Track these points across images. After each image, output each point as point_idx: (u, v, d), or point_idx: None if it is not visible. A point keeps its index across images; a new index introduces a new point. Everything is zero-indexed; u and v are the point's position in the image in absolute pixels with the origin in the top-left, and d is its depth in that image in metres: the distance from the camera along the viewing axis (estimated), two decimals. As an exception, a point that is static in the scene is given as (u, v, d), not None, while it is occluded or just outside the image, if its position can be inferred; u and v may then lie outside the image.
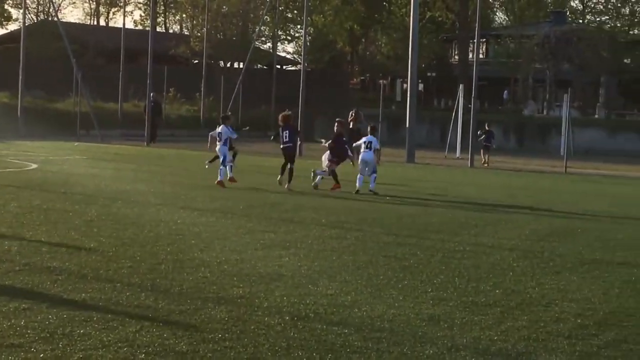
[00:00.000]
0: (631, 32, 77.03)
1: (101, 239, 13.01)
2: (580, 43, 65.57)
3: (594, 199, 24.47)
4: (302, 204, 19.19)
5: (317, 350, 7.71)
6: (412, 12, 40.56)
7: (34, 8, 76.70)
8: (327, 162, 23.21)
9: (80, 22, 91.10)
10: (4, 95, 50.07)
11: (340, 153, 23.20)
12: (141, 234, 13.74)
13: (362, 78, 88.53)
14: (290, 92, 50.01)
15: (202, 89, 55.54)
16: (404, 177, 27.05)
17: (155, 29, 67.69)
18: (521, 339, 8.44)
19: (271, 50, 71.15)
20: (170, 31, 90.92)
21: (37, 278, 10.11)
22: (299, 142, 22.80)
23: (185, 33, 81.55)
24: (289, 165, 22.25)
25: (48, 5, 74.04)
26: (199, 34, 64.15)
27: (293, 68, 77.61)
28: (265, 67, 71.52)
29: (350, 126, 27.46)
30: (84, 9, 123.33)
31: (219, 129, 23.28)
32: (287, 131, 22.50)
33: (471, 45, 67.11)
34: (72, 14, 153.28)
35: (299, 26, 75.33)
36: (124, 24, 56.70)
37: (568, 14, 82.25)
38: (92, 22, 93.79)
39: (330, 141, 23.38)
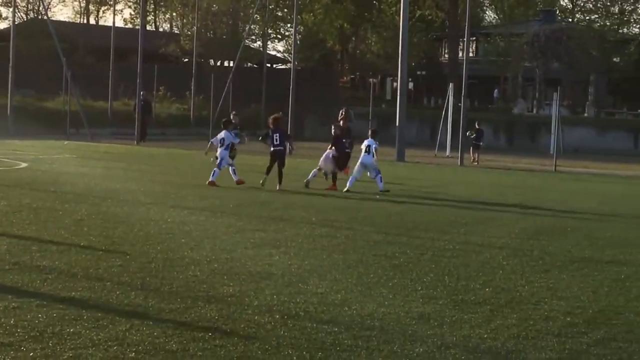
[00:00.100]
0: (620, 31, 77.22)
1: (91, 238, 13.00)
2: (569, 42, 65.65)
3: (583, 198, 24.53)
4: (292, 203, 19.20)
5: (307, 349, 7.72)
6: (402, 11, 40.56)
7: (24, 6, 76.68)
8: (324, 162, 23.29)
9: (70, 20, 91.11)
10: (-6, 94, 49.94)
11: (342, 156, 23.27)
12: (131, 232, 13.73)
13: (352, 76, 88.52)
14: (280, 90, 50.06)
15: (192, 87, 55.50)
16: (394, 175, 27.01)
17: (145, 27, 67.66)
18: (511, 337, 8.46)
19: (261, 49, 71.07)
20: (161, 30, 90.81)
21: (27, 277, 10.09)
22: (289, 148, 22.81)
23: (176, 31, 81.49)
24: (278, 168, 22.16)
25: (38, 3, 74.01)
26: (189, 33, 64.13)
27: (283, 66, 77.55)
28: (255, 65, 71.48)
29: (341, 125, 27.46)
30: (73, 7, 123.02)
31: (221, 135, 23.20)
32: (278, 134, 22.41)
33: (461, 44, 67.19)
34: (62, 12, 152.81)
35: (289, 25, 75.21)
36: (113, 23, 56.79)
37: (557, 12, 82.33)
38: (81, 20, 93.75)
39: (332, 147, 23.43)
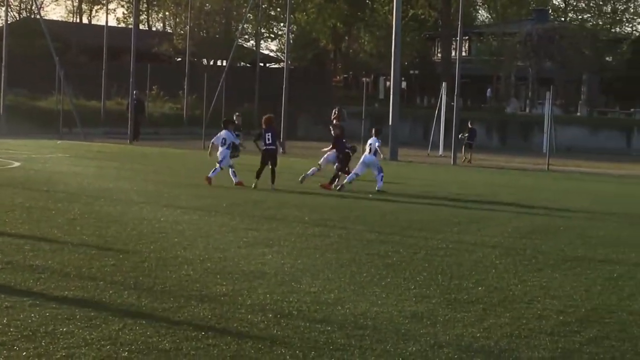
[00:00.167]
0: (613, 30, 77.25)
1: (84, 237, 12.98)
2: (562, 41, 65.74)
3: (576, 197, 24.56)
4: (285, 202, 19.20)
5: (301, 348, 7.72)
6: (395, 10, 40.58)
7: (16, 5, 76.46)
8: (325, 162, 23.42)
9: (63, 19, 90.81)
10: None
11: (343, 156, 23.31)
12: (124, 232, 13.72)
13: (345, 76, 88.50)
14: (273, 89, 49.98)
15: (185, 86, 55.44)
16: (387, 174, 26.98)
17: (138, 26, 67.60)
18: (504, 336, 8.47)
19: (254, 48, 71.08)
20: (153, 29, 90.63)
21: (20, 276, 10.08)
22: (280, 149, 22.95)
23: (169, 31, 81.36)
24: (271, 167, 22.19)
25: (30, 2, 73.81)
26: (182, 32, 64.07)
27: (276, 66, 77.48)
28: (248, 64, 71.41)
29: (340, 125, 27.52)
30: (66, 6, 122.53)
31: (222, 134, 23.13)
32: (270, 133, 22.50)
33: (454, 43, 67.13)
34: (55, 11, 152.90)
35: (282, 24, 75.16)
36: (106, 22, 56.57)
37: (550, 11, 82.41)
38: (74, 19, 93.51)
39: (332, 147, 23.50)
